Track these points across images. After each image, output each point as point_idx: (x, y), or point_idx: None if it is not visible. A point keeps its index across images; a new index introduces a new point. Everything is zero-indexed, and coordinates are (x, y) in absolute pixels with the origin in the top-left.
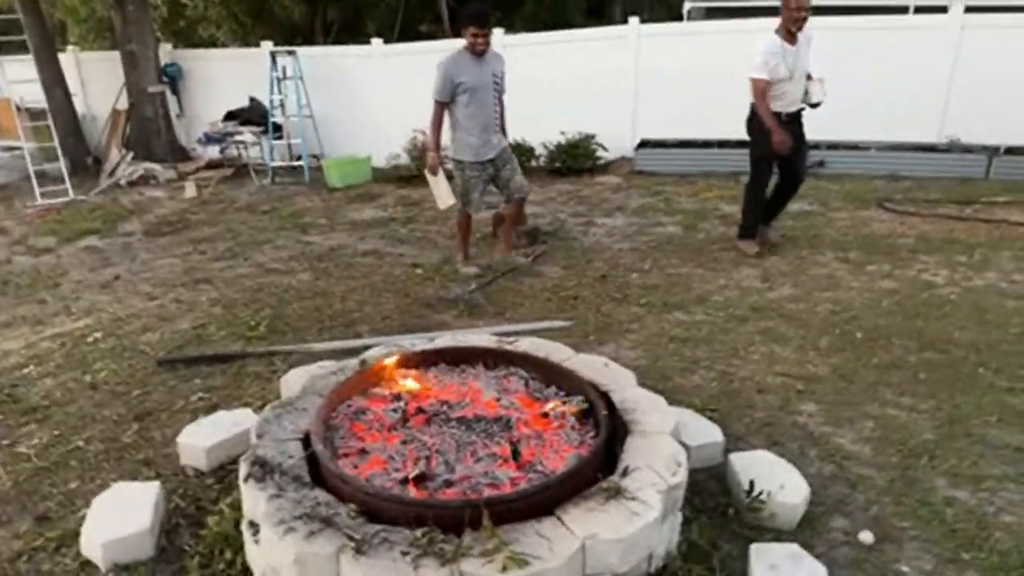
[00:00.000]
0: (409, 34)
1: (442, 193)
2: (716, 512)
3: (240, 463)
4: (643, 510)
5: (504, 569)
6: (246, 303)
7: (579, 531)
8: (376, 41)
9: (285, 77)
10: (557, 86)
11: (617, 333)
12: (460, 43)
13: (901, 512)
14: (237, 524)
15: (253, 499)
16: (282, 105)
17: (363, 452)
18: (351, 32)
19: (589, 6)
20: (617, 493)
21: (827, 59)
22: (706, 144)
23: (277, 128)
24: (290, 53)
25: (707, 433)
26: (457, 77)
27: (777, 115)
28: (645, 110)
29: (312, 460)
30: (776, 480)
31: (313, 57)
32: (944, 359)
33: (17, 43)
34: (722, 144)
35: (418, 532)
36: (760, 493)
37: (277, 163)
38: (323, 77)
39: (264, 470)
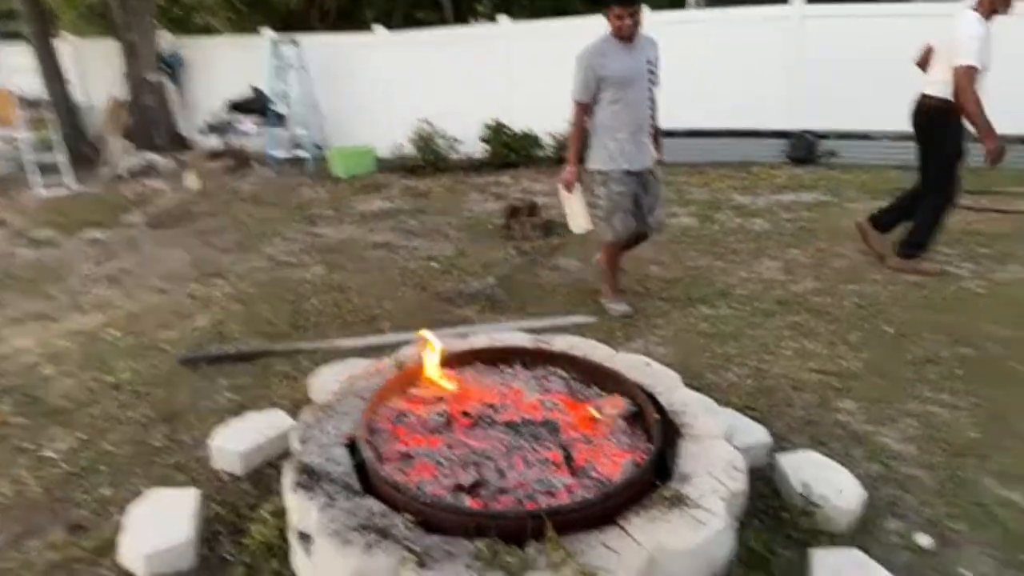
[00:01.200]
0: (408, 22)
1: (577, 214)
2: (769, 516)
3: (285, 470)
4: (709, 519)
5: None
6: (263, 298)
7: (646, 542)
8: (378, 28)
9: (288, 66)
10: (560, 75)
11: (644, 329)
12: (460, 31)
13: (955, 514)
14: (281, 532)
15: (303, 509)
16: (285, 94)
17: (407, 457)
18: (348, 19)
19: None
20: (679, 501)
21: (843, 48)
22: (713, 134)
23: (280, 117)
24: (292, 41)
25: (752, 434)
26: (602, 69)
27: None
28: None
29: (360, 467)
30: (829, 482)
31: (315, 45)
32: (978, 355)
33: (13, 32)
34: (731, 133)
35: (480, 544)
36: (815, 496)
37: (280, 153)
38: (325, 65)
39: (312, 478)
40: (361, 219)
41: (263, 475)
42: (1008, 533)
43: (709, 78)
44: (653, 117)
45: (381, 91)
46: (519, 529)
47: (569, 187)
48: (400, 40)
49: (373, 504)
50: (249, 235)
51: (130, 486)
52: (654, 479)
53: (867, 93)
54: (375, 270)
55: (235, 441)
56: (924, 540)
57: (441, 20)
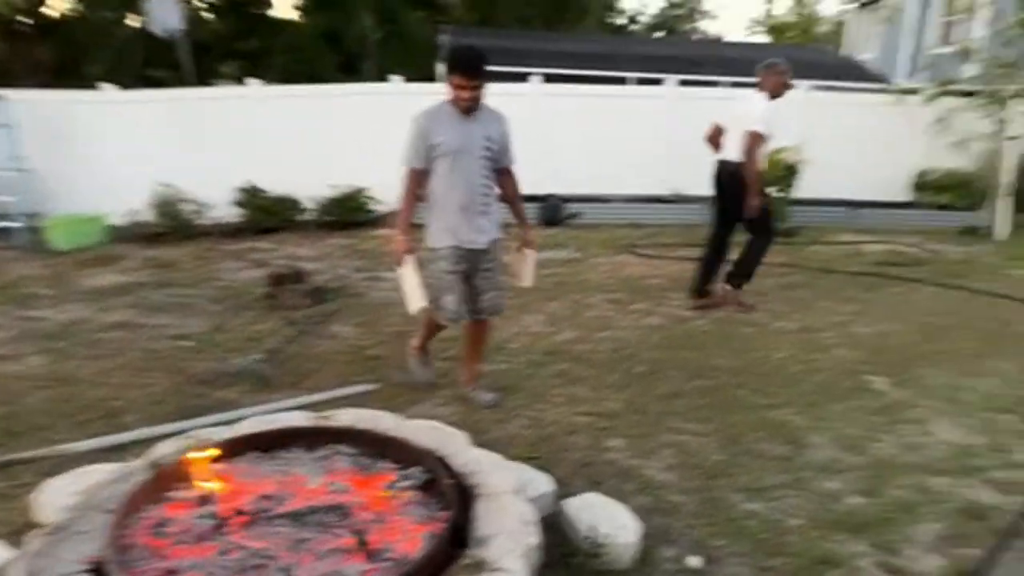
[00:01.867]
0: (142, 81)
1: (412, 291)
2: (560, 564)
3: None
4: None
5: None
6: None
7: None
8: (106, 86)
9: None
10: (317, 140)
11: (426, 390)
12: (204, 92)
13: (715, 532)
14: None
15: None
16: None
17: (172, 573)
18: (67, 75)
19: (343, 61)
20: (480, 568)
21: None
22: None
23: None
24: None
25: (538, 484)
26: (434, 136)
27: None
28: None
29: None
30: (611, 521)
31: (27, 102)
32: (712, 384)
33: None
34: None
35: None
36: (601, 537)
37: None
38: (41, 125)
39: None
40: (90, 297)
41: None
42: (757, 542)
43: None
44: (487, 195)
45: (112, 153)
46: None
47: (398, 259)
48: (133, 99)
49: None
50: None
51: None
52: (453, 548)
53: (599, 161)
54: (112, 355)
55: None
56: (694, 561)
57: (180, 81)
